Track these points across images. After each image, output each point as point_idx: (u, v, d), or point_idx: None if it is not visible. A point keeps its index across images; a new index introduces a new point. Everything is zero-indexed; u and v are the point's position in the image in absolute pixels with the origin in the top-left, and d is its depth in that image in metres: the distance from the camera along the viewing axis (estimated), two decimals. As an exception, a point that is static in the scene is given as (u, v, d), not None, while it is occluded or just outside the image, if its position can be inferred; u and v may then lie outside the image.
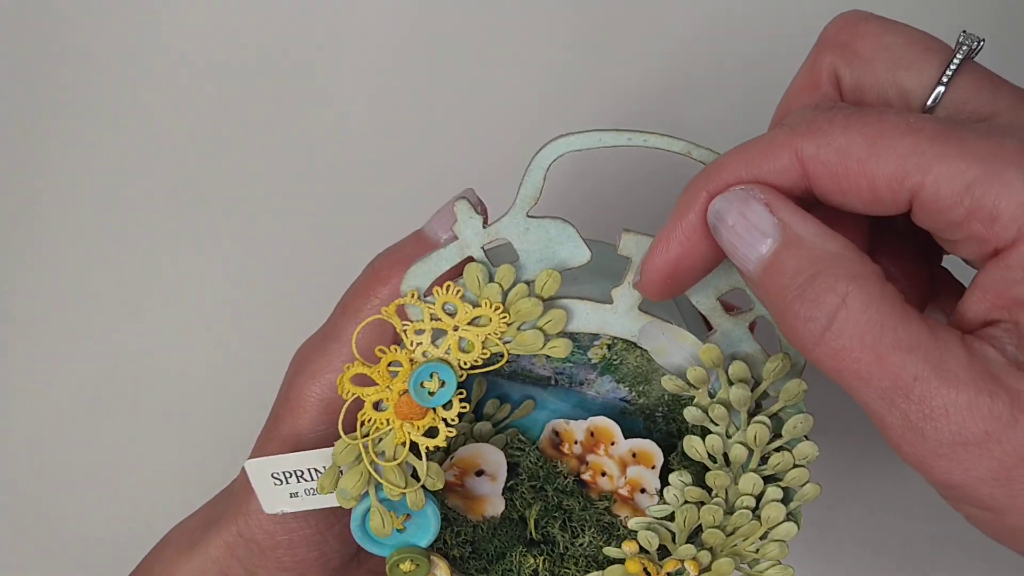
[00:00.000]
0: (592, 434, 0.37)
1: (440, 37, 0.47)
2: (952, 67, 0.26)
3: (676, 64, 0.46)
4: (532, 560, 0.36)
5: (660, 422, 0.36)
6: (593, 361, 0.36)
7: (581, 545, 0.36)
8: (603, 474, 0.37)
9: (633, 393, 0.37)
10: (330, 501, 0.33)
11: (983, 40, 0.27)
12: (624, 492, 0.36)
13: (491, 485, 0.36)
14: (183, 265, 0.50)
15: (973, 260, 0.25)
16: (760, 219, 0.25)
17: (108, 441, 0.51)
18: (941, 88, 0.26)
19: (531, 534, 0.36)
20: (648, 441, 0.36)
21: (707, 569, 0.33)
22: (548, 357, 0.36)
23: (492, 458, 0.36)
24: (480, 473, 0.36)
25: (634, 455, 0.37)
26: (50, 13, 0.46)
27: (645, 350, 0.33)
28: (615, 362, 0.36)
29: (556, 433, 0.37)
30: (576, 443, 0.37)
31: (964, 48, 0.26)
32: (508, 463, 0.37)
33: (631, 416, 0.37)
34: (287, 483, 0.33)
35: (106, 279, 0.50)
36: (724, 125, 0.44)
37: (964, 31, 0.26)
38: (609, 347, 0.36)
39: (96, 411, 0.51)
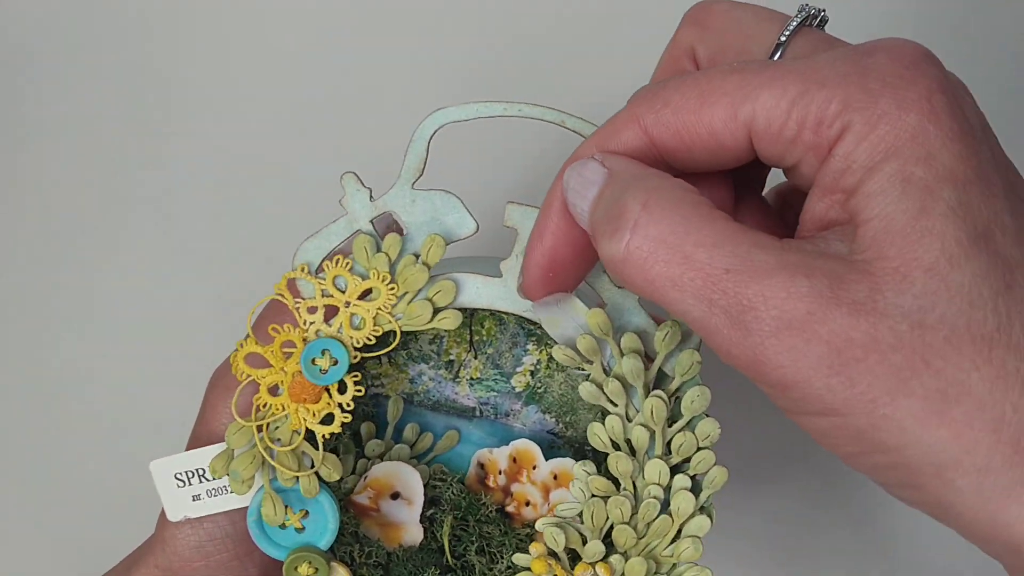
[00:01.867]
0: (515, 459, 0.37)
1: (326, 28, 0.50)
2: (789, 29, 0.28)
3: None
4: None
5: (590, 456, 0.35)
6: (517, 389, 0.36)
7: (499, 571, 0.35)
8: (527, 503, 0.37)
9: (560, 425, 0.37)
10: (231, 503, 0.33)
11: (823, 10, 0.29)
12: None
13: (408, 511, 0.36)
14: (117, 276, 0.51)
15: (814, 176, 0.26)
16: (593, 172, 0.27)
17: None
18: (780, 45, 0.28)
19: (447, 560, 0.35)
20: (567, 460, 0.35)
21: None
22: (471, 386, 0.36)
23: (407, 479, 0.36)
24: (396, 496, 0.35)
25: (555, 477, 0.36)
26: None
27: (565, 369, 0.33)
28: (539, 390, 0.36)
29: (481, 465, 0.37)
30: (500, 473, 0.37)
31: (802, 15, 0.28)
32: (431, 496, 0.36)
33: (560, 450, 0.36)
34: (190, 484, 0.33)
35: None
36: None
37: (805, 4, 0.28)
38: (532, 373, 0.36)
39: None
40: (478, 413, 0.37)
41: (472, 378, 0.37)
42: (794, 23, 0.28)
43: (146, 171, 0.52)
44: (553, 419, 0.37)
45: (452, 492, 0.36)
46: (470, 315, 0.35)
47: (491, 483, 0.37)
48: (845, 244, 0.24)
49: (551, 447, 0.37)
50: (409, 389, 0.37)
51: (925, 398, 0.22)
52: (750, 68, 0.25)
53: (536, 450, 0.36)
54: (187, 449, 0.35)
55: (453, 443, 0.37)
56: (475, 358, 0.37)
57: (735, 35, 0.29)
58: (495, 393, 0.37)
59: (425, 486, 0.36)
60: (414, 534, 0.36)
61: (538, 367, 0.36)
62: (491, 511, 0.36)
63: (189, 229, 0.52)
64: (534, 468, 0.37)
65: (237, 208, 0.51)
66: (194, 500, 0.34)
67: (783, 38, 0.28)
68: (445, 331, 0.34)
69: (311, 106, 0.51)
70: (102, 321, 0.52)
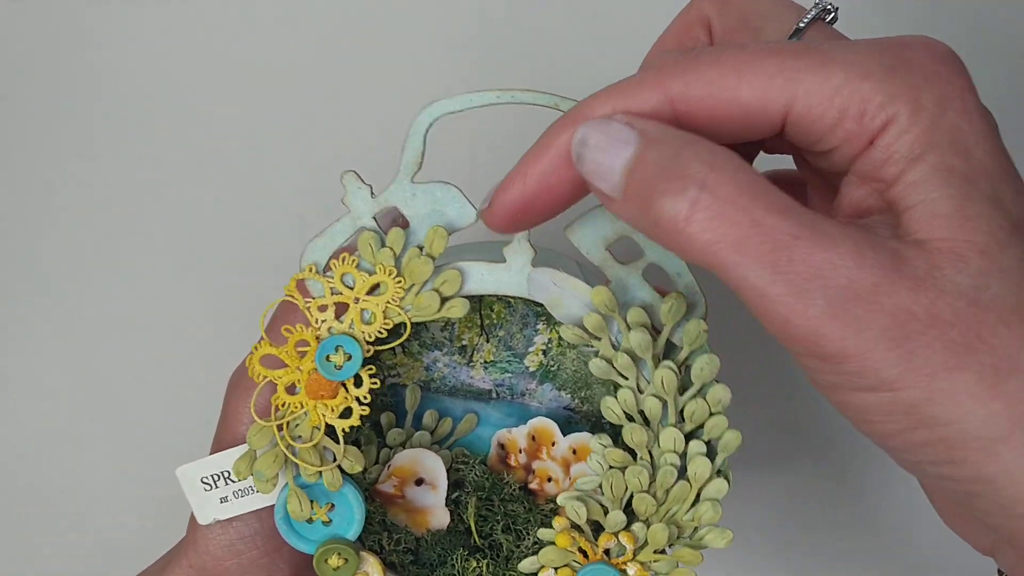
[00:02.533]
0: (534, 438, 0.37)
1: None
2: (807, 19, 0.29)
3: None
4: (475, 563, 0.35)
5: (607, 429, 0.36)
6: (531, 369, 0.37)
7: (526, 547, 0.36)
8: (549, 479, 0.37)
9: (576, 400, 0.37)
10: (258, 502, 0.34)
11: (837, 8, 0.29)
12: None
13: (433, 495, 0.36)
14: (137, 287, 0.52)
15: (848, 164, 0.26)
16: (621, 131, 0.26)
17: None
18: (798, 31, 0.29)
19: (475, 540, 0.36)
20: (585, 434, 0.36)
21: (644, 543, 0.32)
22: (486, 369, 0.37)
23: (430, 464, 0.37)
24: (420, 482, 0.36)
25: (574, 452, 0.37)
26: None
27: (576, 346, 0.34)
28: (552, 368, 0.37)
29: (502, 446, 0.38)
30: (520, 451, 0.37)
31: (818, 8, 0.29)
32: (455, 479, 0.37)
33: (577, 425, 0.37)
34: (216, 487, 0.34)
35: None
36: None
37: None
38: (544, 352, 0.37)
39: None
40: (494, 395, 0.38)
41: (486, 361, 0.38)
42: (812, 14, 0.29)
43: (149, 173, 0.52)
44: (568, 395, 0.38)
45: (475, 474, 0.37)
46: (479, 300, 0.36)
47: (512, 462, 0.38)
48: (888, 230, 0.25)
49: (568, 423, 0.37)
50: (425, 377, 0.37)
51: (980, 373, 0.23)
52: (788, 50, 0.26)
53: (553, 427, 0.37)
54: (211, 453, 0.36)
55: (472, 426, 0.38)
56: (487, 342, 0.37)
57: (753, 14, 0.30)
58: (509, 374, 0.38)
59: (448, 470, 0.37)
60: (441, 518, 0.37)
61: (550, 346, 0.37)
62: (514, 489, 0.37)
63: (195, 236, 0.53)
64: (553, 444, 0.37)
65: (240, 214, 0.52)
66: (222, 502, 0.34)
67: (802, 24, 0.29)
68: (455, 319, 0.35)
69: (308, 106, 0.52)
70: (119, 329, 0.53)
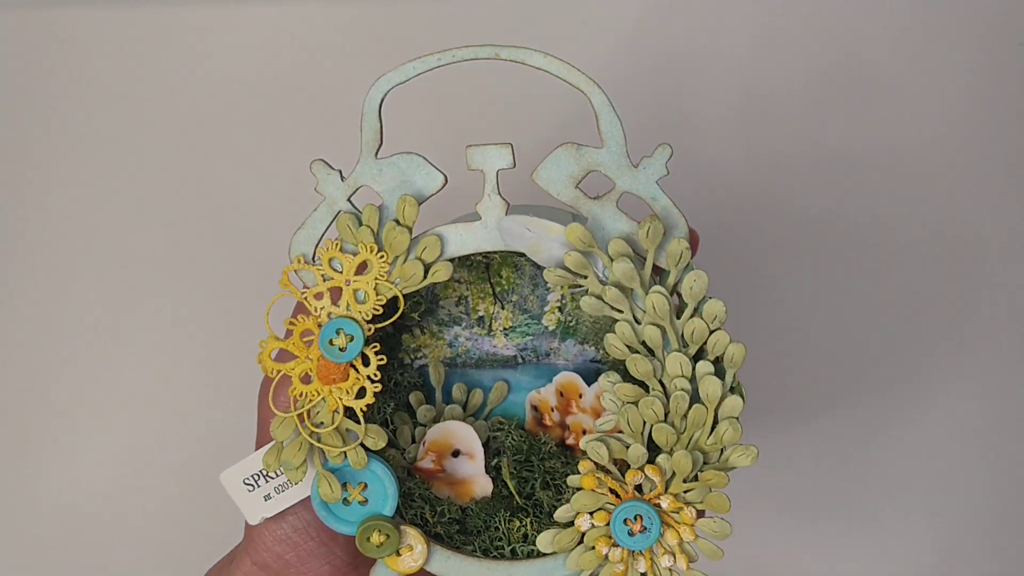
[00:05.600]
0: (562, 393, 0.38)
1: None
2: None
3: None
4: (519, 523, 0.36)
5: (619, 367, 0.37)
6: (551, 328, 0.38)
7: (567, 500, 0.36)
8: (584, 432, 0.38)
9: (600, 351, 0.38)
10: (298, 493, 0.36)
11: None
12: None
13: (471, 464, 0.38)
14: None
15: None
16: None
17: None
18: None
19: (516, 501, 0.36)
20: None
21: (673, 475, 0.33)
22: (507, 336, 0.38)
23: (463, 434, 0.38)
24: (457, 454, 0.37)
25: (599, 394, 0.37)
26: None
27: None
28: (571, 323, 0.38)
29: (535, 408, 0.39)
30: (553, 410, 0.38)
31: None
32: (495, 447, 0.38)
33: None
34: (258, 486, 0.36)
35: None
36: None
37: None
38: (560, 308, 0.38)
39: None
40: (520, 360, 0.39)
41: (505, 328, 0.39)
42: None
43: (141, 176, 0.57)
44: (592, 347, 0.38)
45: (512, 439, 0.38)
46: (486, 268, 0.37)
47: (547, 422, 0.39)
48: None
49: (598, 374, 0.38)
50: (450, 353, 0.39)
51: None
52: None
53: (577, 379, 0.38)
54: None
55: (503, 394, 0.39)
56: (503, 309, 0.38)
57: None
58: (531, 337, 0.38)
59: (487, 441, 0.38)
60: (484, 486, 0.38)
61: (564, 301, 0.38)
62: (551, 447, 0.38)
63: (195, 240, 0.56)
64: (580, 396, 0.38)
65: (231, 214, 0.55)
66: (266, 500, 0.37)
67: None
68: (463, 280, 0.36)
69: (268, 106, 0.54)
70: (119, 338, 0.57)
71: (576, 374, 0.38)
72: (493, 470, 0.38)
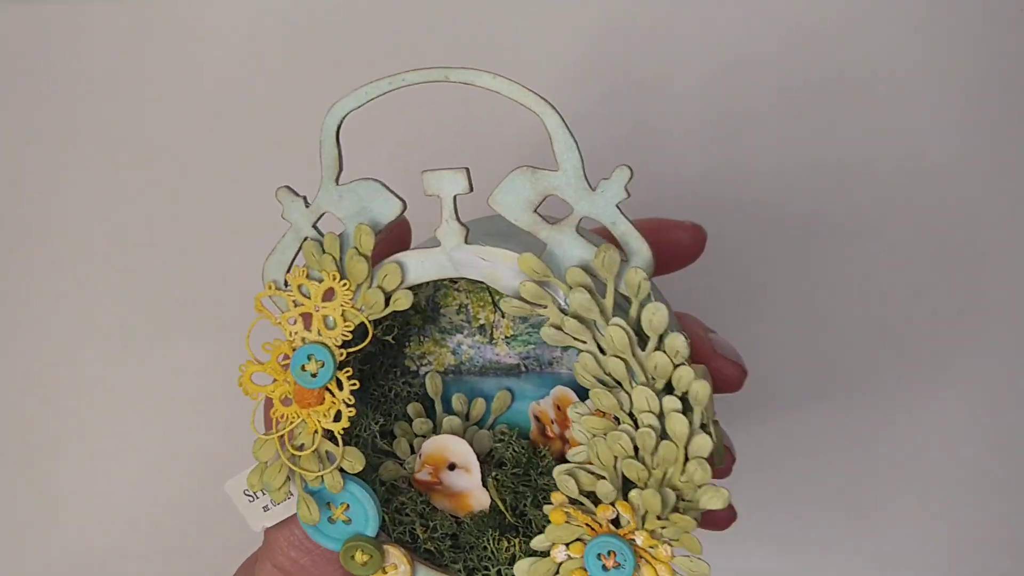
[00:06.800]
0: (559, 407, 0.37)
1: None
2: None
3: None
4: (507, 543, 0.36)
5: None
6: None
7: None
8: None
9: None
10: (292, 507, 0.36)
11: None
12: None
13: (467, 478, 0.38)
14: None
15: None
16: None
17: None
18: None
19: (508, 518, 0.36)
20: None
21: (646, 511, 0.31)
22: (508, 344, 0.37)
23: (457, 448, 0.38)
24: (453, 467, 0.37)
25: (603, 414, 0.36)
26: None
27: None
28: None
29: (537, 418, 0.38)
30: (552, 422, 0.37)
31: None
32: (497, 458, 0.38)
33: None
34: (257, 497, 0.37)
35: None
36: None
37: None
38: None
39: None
40: (523, 368, 0.38)
41: (506, 336, 0.38)
42: None
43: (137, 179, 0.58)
44: None
45: (512, 450, 0.38)
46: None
47: (549, 433, 0.38)
48: None
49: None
50: (454, 361, 0.38)
51: None
52: None
53: (571, 394, 0.37)
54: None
55: (507, 403, 0.38)
56: (503, 317, 0.37)
57: None
58: (532, 345, 0.38)
59: (491, 451, 0.38)
60: (481, 499, 0.38)
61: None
62: (549, 461, 0.37)
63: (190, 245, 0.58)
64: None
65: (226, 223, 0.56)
66: (265, 511, 0.38)
67: None
68: (462, 288, 0.36)
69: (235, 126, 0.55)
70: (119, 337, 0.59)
71: (570, 389, 0.37)
72: (494, 483, 0.38)
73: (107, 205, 0.58)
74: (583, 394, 0.37)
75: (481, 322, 0.38)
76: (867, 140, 0.51)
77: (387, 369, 0.39)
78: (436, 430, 0.39)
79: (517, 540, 0.37)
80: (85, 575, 0.59)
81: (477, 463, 0.38)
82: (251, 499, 0.38)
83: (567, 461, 0.38)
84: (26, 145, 0.58)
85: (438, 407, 0.39)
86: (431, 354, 0.39)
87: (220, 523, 0.57)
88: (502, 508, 0.37)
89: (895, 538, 0.54)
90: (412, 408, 0.39)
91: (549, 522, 0.37)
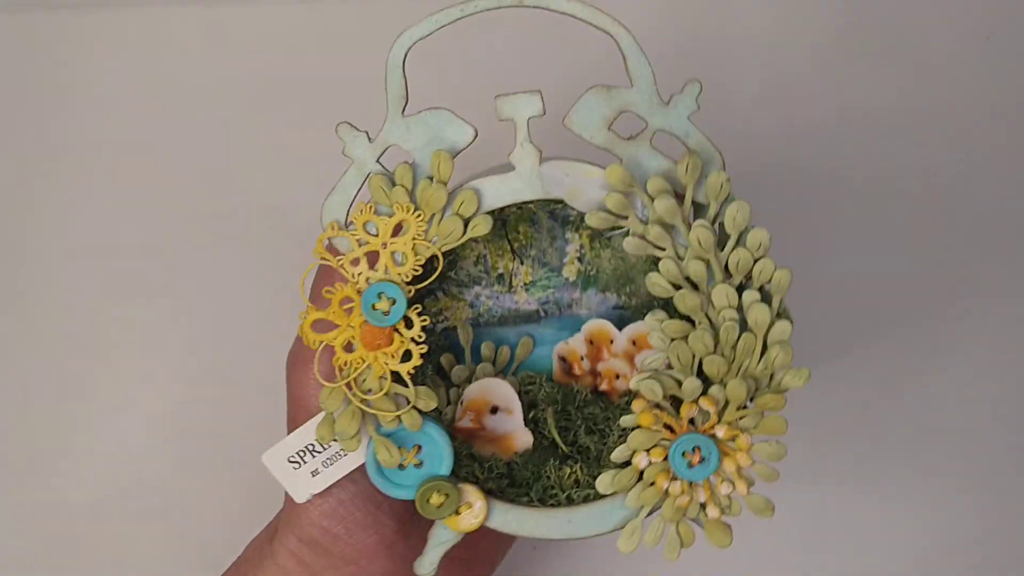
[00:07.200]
0: (591, 342, 0.39)
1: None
2: None
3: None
4: (569, 470, 0.36)
5: (661, 306, 0.37)
6: (571, 279, 0.38)
7: (612, 442, 0.37)
8: (617, 377, 0.39)
9: (623, 297, 0.39)
10: (349, 464, 0.36)
11: None
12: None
13: (510, 420, 0.38)
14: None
15: None
16: None
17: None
18: None
19: (562, 449, 0.37)
20: (639, 323, 0.37)
21: (726, 404, 0.33)
22: (527, 291, 0.38)
23: (500, 391, 0.38)
24: (495, 410, 0.37)
25: (634, 343, 0.38)
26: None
27: (610, 243, 0.34)
28: (592, 272, 0.38)
29: (563, 359, 0.39)
30: (582, 359, 0.38)
31: None
32: (528, 401, 0.38)
33: (632, 320, 0.38)
34: (304, 462, 0.36)
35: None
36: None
37: None
38: (580, 259, 0.38)
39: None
40: (543, 313, 0.39)
41: (525, 283, 0.39)
42: None
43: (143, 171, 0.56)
44: (614, 294, 0.39)
45: (545, 390, 0.38)
46: (502, 225, 0.37)
47: (577, 371, 0.39)
48: None
49: (621, 321, 0.39)
50: (472, 313, 0.39)
51: None
52: None
53: (608, 325, 0.39)
54: (288, 433, 0.37)
55: (530, 349, 0.39)
56: (521, 264, 0.38)
57: None
58: (552, 289, 0.39)
59: (519, 395, 0.38)
60: (524, 439, 0.38)
61: (583, 251, 0.38)
62: (586, 395, 0.38)
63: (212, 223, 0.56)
64: (612, 343, 0.39)
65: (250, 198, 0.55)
66: (314, 476, 0.36)
67: None
68: (481, 239, 0.36)
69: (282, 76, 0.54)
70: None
71: (606, 321, 0.39)
72: (531, 423, 0.39)
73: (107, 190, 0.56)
74: (619, 326, 0.39)
75: (500, 271, 0.39)
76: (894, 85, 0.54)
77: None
78: (470, 378, 0.39)
79: (577, 466, 0.38)
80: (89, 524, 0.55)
81: (519, 404, 0.39)
82: (297, 466, 0.37)
83: (601, 392, 0.39)
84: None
85: (468, 355, 0.39)
86: (448, 309, 0.39)
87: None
88: (557, 439, 0.38)
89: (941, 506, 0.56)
90: (445, 359, 0.39)
91: (605, 446, 0.38)
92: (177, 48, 0.56)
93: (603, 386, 0.39)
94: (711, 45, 0.54)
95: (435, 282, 0.38)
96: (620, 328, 0.39)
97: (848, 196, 0.55)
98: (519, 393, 0.39)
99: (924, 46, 0.55)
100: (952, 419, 0.54)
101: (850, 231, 0.55)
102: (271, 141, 0.55)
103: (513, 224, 0.38)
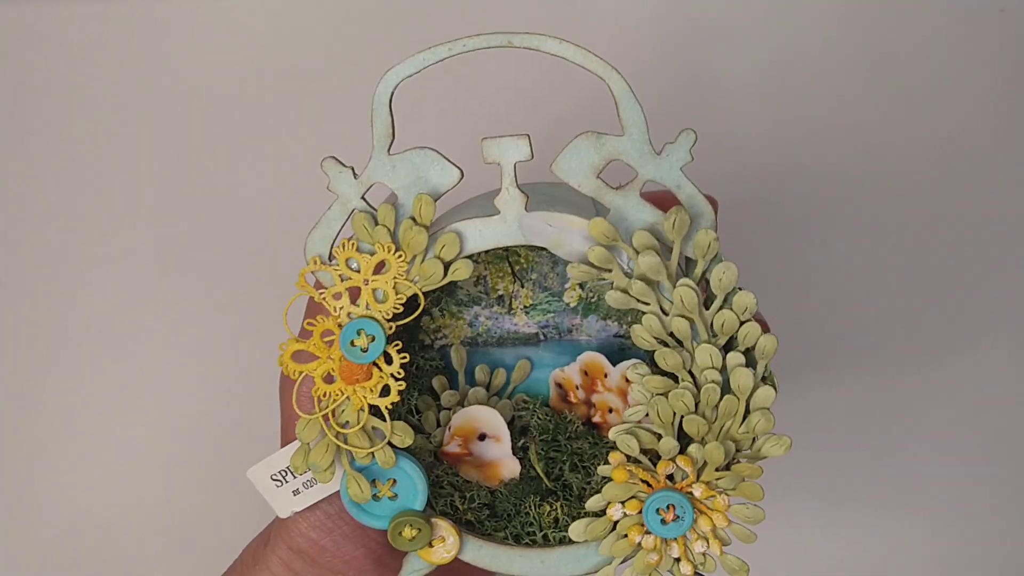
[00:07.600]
0: (586, 372, 0.38)
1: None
2: None
3: None
4: (549, 507, 0.36)
5: (645, 357, 0.36)
6: (572, 304, 0.38)
7: (596, 482, 0.36)
8: (610, 411, 0.38)
9: (624, 326, 0.37)
10: (327, 488, 0.36)
11: None
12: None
13: (498, 447, 0.38)
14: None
15: None
16: None
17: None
18: None
19: (545, 484, 0.37)
20: (633, 360, 0.36)
21: (704, 464, 0.32)
22: (527, 314, 0.38)
23: (488, 418, 0.38)
24: (483, 437, 0.37)
25: (627, 379, 0.37)
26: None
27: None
28: (593, 299, 0.38)
29: (559, 385, 0.38)
30: (577, 388, 0.38)
31: None
32: (520, 426, 0.38)
33: (631, 350, 0.37)
34: (286, 481, 0.36)
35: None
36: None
37: None
38: (581, 286, 0.37)
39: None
40: (542, 337, 0.39)
41: (525, 306, 0.38)
42: None
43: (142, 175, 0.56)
44: (615, 323, 0.38)
45: (537, 417, 0.38)
46: (505, 248, 0.36)
47: (572, 399, 0.38)
48: None
49: (622, 350, 0.38)
50: (471, 333, 0.38)
51: None
52: None
53: (601, 359, 0.38)
54: (281, 447, 0.38)
55: (526, 372, 0.39)
56: (522, 287, 0.38)
57: None
58: (552, 314, 0.38)
59: (512, 419, 0.38)
60: (511, 468, 0.38)
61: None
62: (577, 427, 0.38)
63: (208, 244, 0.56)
64: (606, 376, 0.38)
65: (234, 218, 0.55)
66: (295, 495, 0.37)
67: None
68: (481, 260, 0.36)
69: (276, 100, 0.53)
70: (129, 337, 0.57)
71: (600, 354, 0.38)
72: (520, 451, 0.38)
73: (110, 193, 0.56)
74: (613, 360, 0.38)
75: (500, 293, 0.38)
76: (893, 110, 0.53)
77: (405, 345, 0.39)
78: (461, 402, 0.39)
79: (558, 504, 0.37)
80: (84, 539, 0.57)
81: (508, 431, 0.38)
82: (279, 484, 0.37)
83: (594, 424, 0.39)
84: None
85: (461, 379, 0.39)
86: (446, 327, 0.39)
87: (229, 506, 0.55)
88: (540, 474, 0.38)
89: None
90: (437, 381, 0.39)
91: (588, 485, 0.38)
92: (184, 39, 0.56)
93: (596, 418, 0.39)
94: (707, 88, 0.53)
95: (431, 302, 0.38)
96: (621, 355, 0.38)
97: (849, 196, 0.53)
98: (512, 418, 0.39)
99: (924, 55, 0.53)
100: (955, 423, 0.54)
101: (850, 231, 0.54)
102: (279, 143, 0.55)
103: (514, 247, 0.37)
